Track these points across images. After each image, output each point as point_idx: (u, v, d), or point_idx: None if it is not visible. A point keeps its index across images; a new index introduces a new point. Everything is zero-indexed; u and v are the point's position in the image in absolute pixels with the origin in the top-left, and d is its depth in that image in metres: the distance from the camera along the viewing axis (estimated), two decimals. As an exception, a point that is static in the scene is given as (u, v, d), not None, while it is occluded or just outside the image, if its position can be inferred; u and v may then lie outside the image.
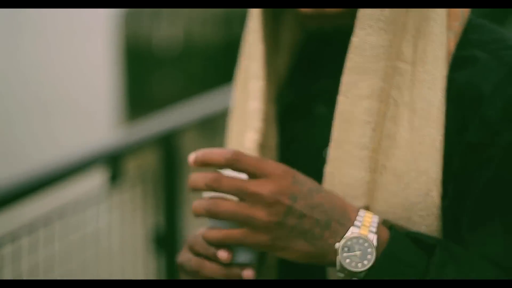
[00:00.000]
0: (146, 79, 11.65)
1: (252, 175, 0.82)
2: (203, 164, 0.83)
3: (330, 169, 0.90)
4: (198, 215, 0.85)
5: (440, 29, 0.89)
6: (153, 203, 2.35)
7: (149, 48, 12.34)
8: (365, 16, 0.87)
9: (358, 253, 0.81)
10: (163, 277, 2.31)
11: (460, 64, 0.89)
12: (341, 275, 0.82)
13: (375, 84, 0.88)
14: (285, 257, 0.84)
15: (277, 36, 1.03)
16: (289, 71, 1.05)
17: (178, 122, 2.27)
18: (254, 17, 1.00)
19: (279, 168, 0.82)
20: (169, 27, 12.65)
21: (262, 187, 0.80)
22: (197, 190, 0.84)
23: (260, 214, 0.80)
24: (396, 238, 0.83)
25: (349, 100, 0.89)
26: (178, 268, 0.91)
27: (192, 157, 0.84)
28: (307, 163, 0.93)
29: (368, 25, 0.87)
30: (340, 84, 0.90)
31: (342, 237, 0.81)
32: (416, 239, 0.85)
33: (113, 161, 2.02)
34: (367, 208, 0.88)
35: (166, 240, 2.30)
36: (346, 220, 0.83)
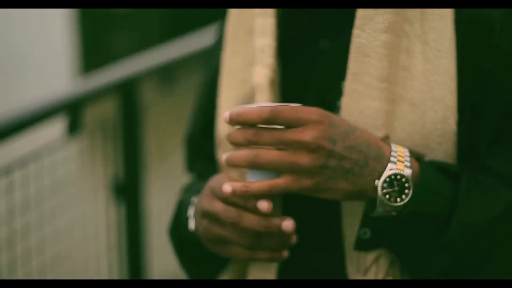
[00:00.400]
0: (103, 32, 11.15)
1: (291, 126, 0.84)
2: (239, 123, 0.85)
3: (347, 101, 0.93)
4: (236, 166, 0.88)
5: None
6: (113, 152, 2.35)
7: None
8: None
9: (396, 188, 0.85)
10: (122, 224, 2.33)
11: None
12: (379, 210, 0.87)
13: (391, 18, 0.90)
14: (327, 198, 0.87)
15: None
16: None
17: (136, 70, 2.25)
18: None
19: (315, 113, 0.84)
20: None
21: (303, 134, 0.83)
22: (237, 145, 0.87)
23: (303, 159, 0.83)
24: (427, 170, 0.88)
25: (365, 34, 0.91)
26: (201, 214, 0.93)
27: (226, 115, 0.85)
28: (316, 97, 0.95)
29: None
30: (355, 19, 0.92)
31: (380, 174, 0.86)
32: (441, 168, 0.89)
33: (72, 110, 2.00)
34: (386, 137, 0.91)
35: (126, 188, 2.31)
36: (381, 156, 0.86)
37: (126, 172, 2.29)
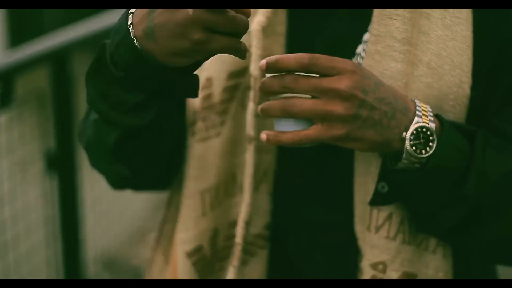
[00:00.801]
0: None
1: (325, 75, 0.86)
2: (276, 70, 0.87)
3: (369, 62, 0.95)
4: (270, 116, 0.89)
5: None
6: (46, 124, 2.31)
7: None
8: None
9: (422, 141, 0.89)
10: (56, 198, 2.28)
11: None
12: (405, 162, 0.90)
13: None
14: (355, 148, 0.91)
15: None
16: None
17: (68, 40, 2.19)
18: None
19: (350, 63, 0.87)
20: None
21: (338, 82, 0.85)
22: (272, 93, 0.88)
23: (337, 108, 0.86)
24: (447, 126, 0.92)
25: None
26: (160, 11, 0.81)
27: (263, 62, 0.86)
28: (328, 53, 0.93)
29: None
30: None
31: (406, 127, 0.89)
32: (457, 127, 0.94)
33: (3, 81, 1.95)
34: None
35: (60, 161, 2.26)
36: (407, 110, 0.90)
37: (59, 145, 2.24)
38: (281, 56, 0.86)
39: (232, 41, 0.81)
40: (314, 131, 0.87)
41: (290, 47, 1.01)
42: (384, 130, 0.89)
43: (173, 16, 0.79)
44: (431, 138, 0.89)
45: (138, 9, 0.84)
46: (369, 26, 0.97)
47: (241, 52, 0.83)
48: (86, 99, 0.94)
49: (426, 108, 0.92)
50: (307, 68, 0.86)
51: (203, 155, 1.03)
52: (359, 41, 0.98)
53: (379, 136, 0.89)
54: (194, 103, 1.03)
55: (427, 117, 0.91)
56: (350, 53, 0.98)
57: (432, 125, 0.90)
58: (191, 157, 1.04)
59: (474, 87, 0.96)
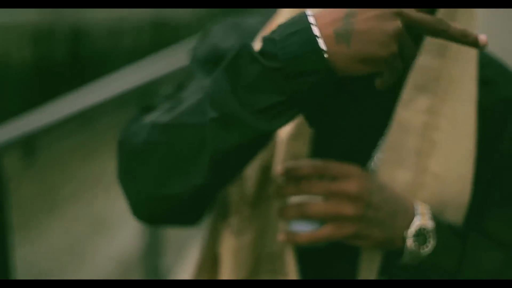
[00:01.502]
0: None
1: (335, 178, 0.97)
2: (292, 176, 1.00)
3: (383, 168, 1.04)
4: (289, 219, 1.00)
5: (473, 52, 1.04)
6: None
7: None
8: (430, 43, 1.01)
9: (421, 238, 0.98)
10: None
11: (484, 84, 1.05)
12: (406, 259, 0.99)
13: (428, 101, 1.03)
14: (362, 245, 1.00)
15: None
16: None
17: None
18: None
19: (357, 169, 0.98)
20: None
21: (347, 185, 0.96)
22: (289, 195, 1.00)
23: (347, 209, 0.96)
24: (443, 226, 1.01)
25: (408, 113, 1.03)
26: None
27: (281, 168, 1.00)
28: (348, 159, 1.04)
29: (434, 49, 1.02)
30: (402, 99, 1.03)
31: (407, 226, 0.98)
32: (451, 227, 1.03)
33: None
34: None
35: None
36: (408, 210, 0.99)
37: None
38: (297, 164, 0.99)
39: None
40: (326, 230, 0.97)
41: (313, 151, 1.07)
42: (388, 229, 0.98)
43: (381, 25, 0.80)
44: (429, 236, 0.98)
45: (326, 10, 0.82)
46: (383, 136, 1.05)
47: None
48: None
49: (425, 207, 1.00)
50: (320, 173, 0.98)
51: (238, 249, 1.09)
52: (374, 148, 1.05)
53: (383, 235, 0.98)
54: (230, 195, 1.08)
55: (425, 215, 0.99)
56: (365, 158, 1.05)
57: (431, 224, 0.99)
58: (225, 249, 1.10)
59: (474, 195, 1.04)
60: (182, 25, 18.66)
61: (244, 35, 1.10)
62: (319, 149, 1.07)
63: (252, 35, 1.09)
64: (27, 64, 13.45)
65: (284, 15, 1.07)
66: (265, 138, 0.91)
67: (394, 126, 1.03)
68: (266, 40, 0.84)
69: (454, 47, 1.02)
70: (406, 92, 1.03)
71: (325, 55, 0.81)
